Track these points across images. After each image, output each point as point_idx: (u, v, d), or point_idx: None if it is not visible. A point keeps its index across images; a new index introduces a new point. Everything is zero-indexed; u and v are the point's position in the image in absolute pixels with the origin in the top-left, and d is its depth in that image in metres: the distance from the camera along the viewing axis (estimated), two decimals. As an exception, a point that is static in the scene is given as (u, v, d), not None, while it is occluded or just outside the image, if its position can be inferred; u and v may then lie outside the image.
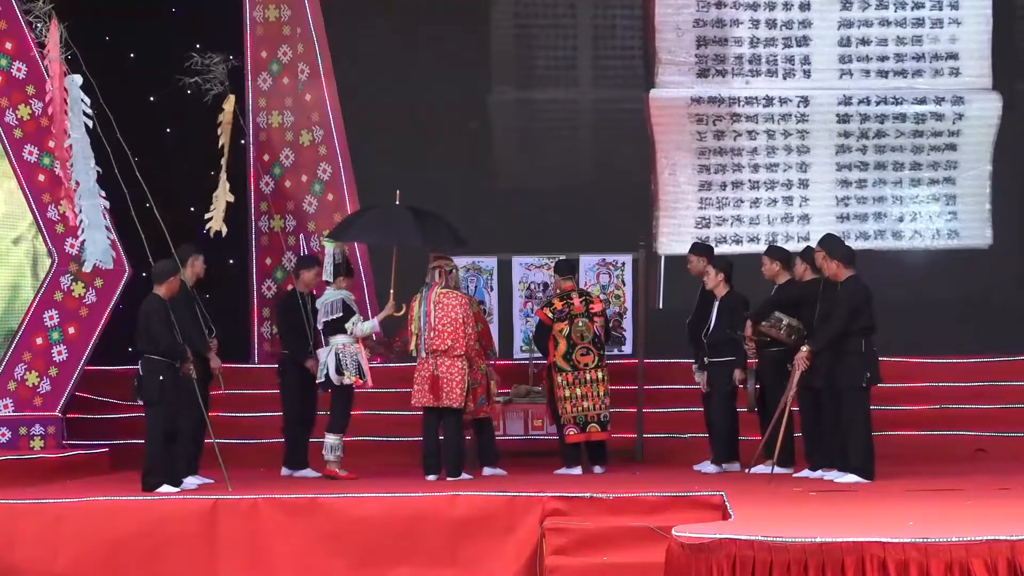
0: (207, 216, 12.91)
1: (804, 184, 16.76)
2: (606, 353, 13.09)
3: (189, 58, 12.81)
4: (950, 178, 16.80)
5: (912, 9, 16.66)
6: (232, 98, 12.30)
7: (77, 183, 11.78)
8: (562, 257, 13.78)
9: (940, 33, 16.76)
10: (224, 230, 12.93)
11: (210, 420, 12.12)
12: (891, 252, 16.70)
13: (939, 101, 16.69)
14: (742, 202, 16.72)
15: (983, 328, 15.83)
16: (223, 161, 12.62)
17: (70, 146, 11.72)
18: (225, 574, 10.56)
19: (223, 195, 12.76)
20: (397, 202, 12.76)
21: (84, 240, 11.85)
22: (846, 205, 16.70)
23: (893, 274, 16.12)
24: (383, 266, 15.63)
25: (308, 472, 12.90)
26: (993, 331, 15.74)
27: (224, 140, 12.43)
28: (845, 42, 16.77)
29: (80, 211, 11.66)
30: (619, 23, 17.24)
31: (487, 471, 12.63)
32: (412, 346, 12.51)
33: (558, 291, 13.08)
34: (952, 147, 16.76)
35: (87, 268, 12.44)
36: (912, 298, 16.10)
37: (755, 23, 16.74)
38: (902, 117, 16.72)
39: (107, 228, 12.16)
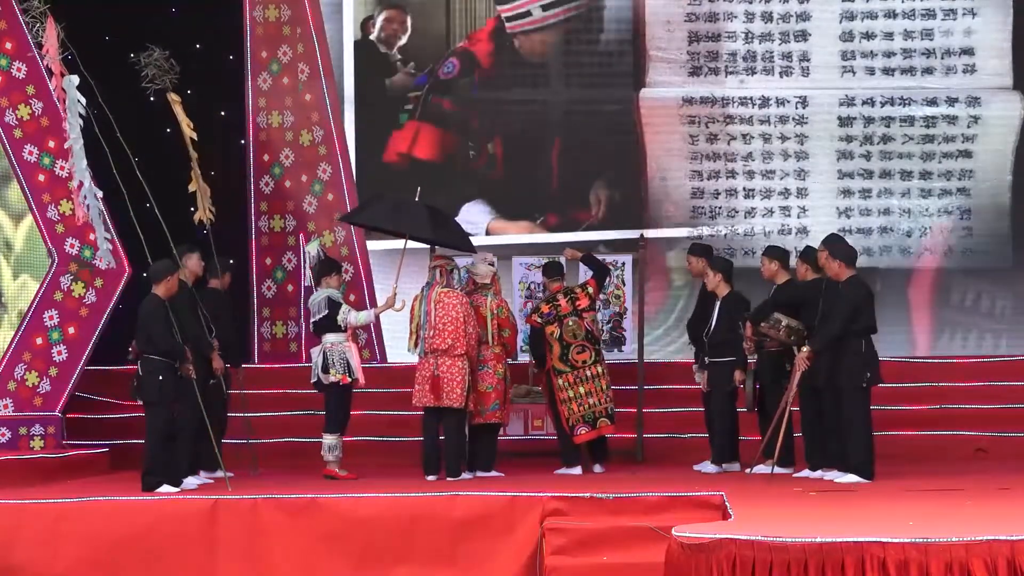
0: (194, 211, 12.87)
1: (803, 193, 15.99)
2: (602, 348, 13.10)
3: (190, 58, 12.79)
4: (964, 188, 15.85)
5: (922, -1, 15.81)
6: (173, 95, 12.18)
7: (80, 183, 11.82)
8: (559, 259, 13.80)
9: (953, 26, 15.83)
10: (208, 216, 12.58)
11: (221, 419, 12.15)
12: (898, 270, 15.88)
13: (952, 102, 15.82)
14: (736, 212, 16.07)
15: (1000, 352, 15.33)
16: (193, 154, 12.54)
17: (70, 146, 11.74)
18: (225, 574, 10.56)
19: (197, 187, 12.62)
20: (416, 198, 12.78)
21: (96, 238, 11.96)
22: (848, 217, 15.88)
23: (899, 294, 15.55)
24: (383, 266, 15.68)
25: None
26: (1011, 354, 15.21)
27: (188, 135, 12.35)
28: (847, 36, 15.96)
29: (87, 209, 11.75)
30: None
31: (480, 474, 12.57)
32: (413, 345, 12.51)
33: (546, 294, 13.13)
34: (967, 154, 15.80)
35: (103, 266, 12.55)
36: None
37: (750, 16, 16.06)
38: (910, 120, 15.86)
39: (106, 229, 12.20)
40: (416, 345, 12.46)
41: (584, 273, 13.72)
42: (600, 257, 13.70)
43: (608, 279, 14.11)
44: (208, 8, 16.09)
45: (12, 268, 13.77)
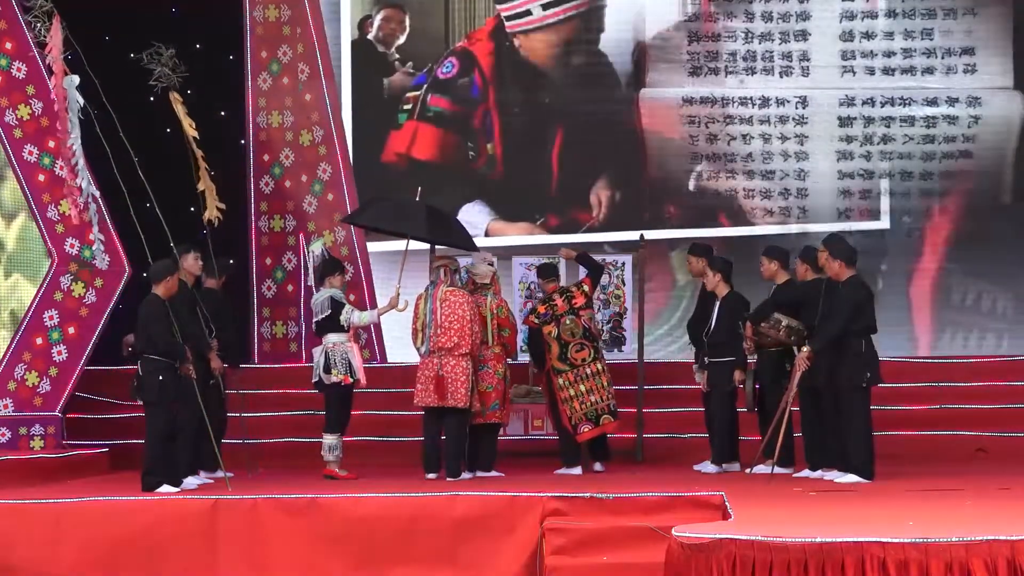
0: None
1: (802, 193, 15.99)
2: (601, 346, 13.11)
3: (190, 58, 12.78)
4: (965, 188, 15.78)
5: (922, -2, 15.66)
6: (175, 95, 12.15)
7: (80, 183, 11.82)
8: (554, 259, 13.79)
9: (954, 25, 15.77)
10: (216, 215, 12.52)
11: (220, 419, 12.14)
12: (898, 270, 15.83)
13: (952, 102, 15.76)
14: (736, 212, 16.04)
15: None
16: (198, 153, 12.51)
17: (70, 145, 11.73)
18: (225, 574, 10.55)
19: (205, 186, 12.58)
20: (417, 198, 12.79)
21: (94, 239, 11.99)
22: (848, 217, 15.82)
23: (899, 294, 15.47)
24: (383, 266, 15.68)
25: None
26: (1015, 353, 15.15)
27: (191, 135, 12.33)
28: (847, 36, 15.91)
29: (83, 208, 11.78)
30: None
31: (480, 474, 12.57)
32: (417, 344, 12.51)
33: (542, 295, 13.14)
34: (967, 154, 15.73)
35: (102, 266, 12.60)
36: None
37: (750, 16, 16.02)
38: (911, 120, 15.80)
39: (101, 229, 12.20)
40: (422, 344, 12.46)
41: (583, 273, 13.72)
42: (600, 257, 13.70)
43: (608, 278, 14.11)
44: (208, 8, 16.09)
45: (4, 267, 13.76)
